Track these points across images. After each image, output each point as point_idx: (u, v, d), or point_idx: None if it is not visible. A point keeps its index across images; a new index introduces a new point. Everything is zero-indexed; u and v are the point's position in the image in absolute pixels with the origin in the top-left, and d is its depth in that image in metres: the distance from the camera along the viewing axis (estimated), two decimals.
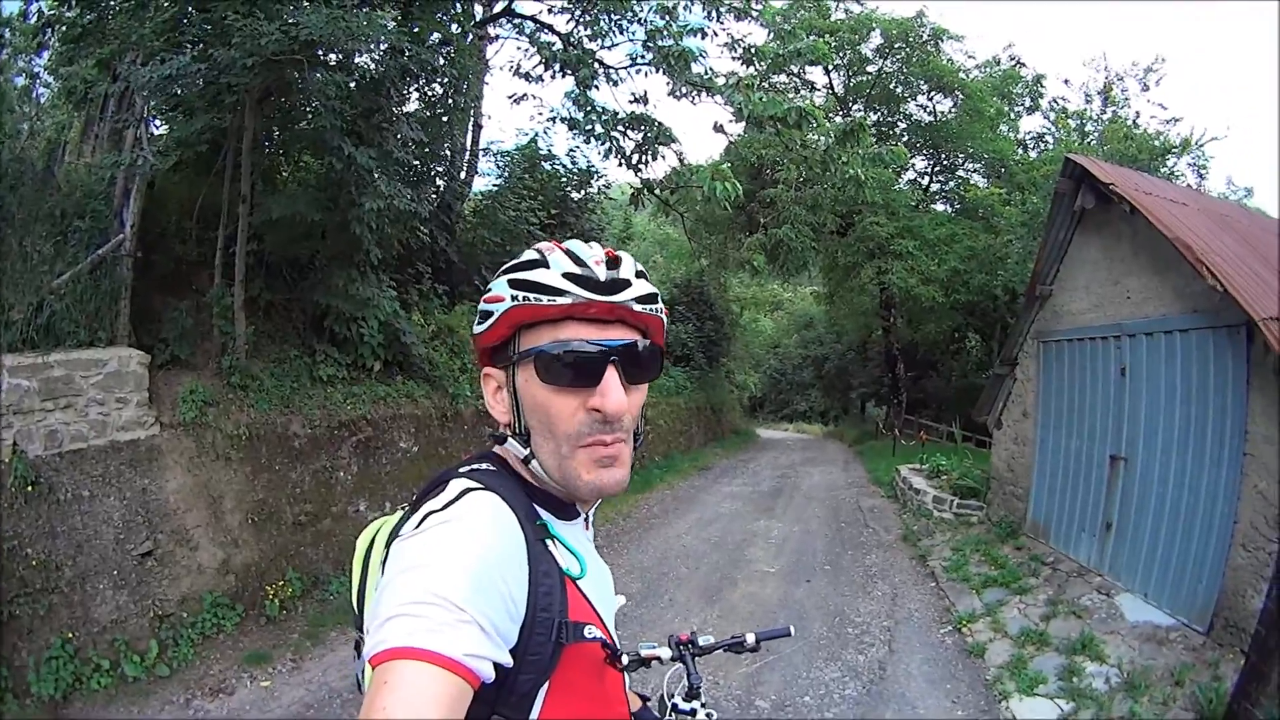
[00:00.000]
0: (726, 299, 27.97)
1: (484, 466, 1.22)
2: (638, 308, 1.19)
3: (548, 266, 1.16)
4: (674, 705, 2.40)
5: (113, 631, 5.78)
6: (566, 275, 1.15)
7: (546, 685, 1.09)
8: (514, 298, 1.16)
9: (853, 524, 11.90)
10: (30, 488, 5.64)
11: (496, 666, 0.97)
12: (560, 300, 1.14)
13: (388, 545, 1.13)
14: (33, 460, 5.74)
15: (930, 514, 11.37)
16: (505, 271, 1.21)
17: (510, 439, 1.23)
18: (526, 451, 1.20)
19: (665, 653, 2.38)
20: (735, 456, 21.88)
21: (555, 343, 1.15)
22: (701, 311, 24.36)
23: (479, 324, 1.23)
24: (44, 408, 5.90)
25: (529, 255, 1.21)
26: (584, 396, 1.15)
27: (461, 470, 1.20)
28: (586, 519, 1.37)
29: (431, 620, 0.91)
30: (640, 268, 1.24)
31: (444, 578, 0.96)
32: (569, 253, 1.19)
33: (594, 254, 1.19)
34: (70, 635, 5.53)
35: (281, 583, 7.02)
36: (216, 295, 7.43)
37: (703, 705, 2.41)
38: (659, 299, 1.24)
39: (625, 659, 1.30)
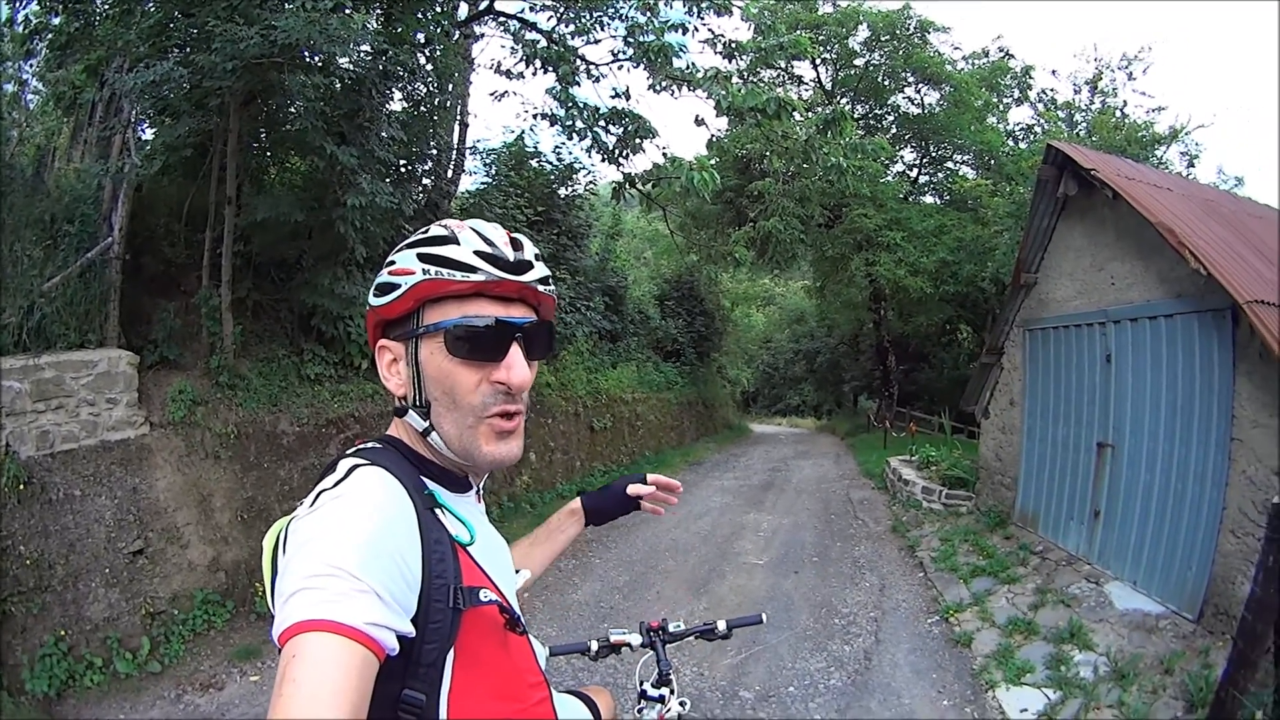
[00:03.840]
0: (717, 294, 27.93)
1: (371, 445, 1.28)
2: (540, 288, 1.29)
3: (458, 243, 1.23)
4: (643, 692, 2.38)
5: (105, 629, 5.80)
6: (478, 253, 1.22)
7: (452, 655, 1.12)
8: (425, 271, 1.21)
9: (842, 516, 11.87)
10: (22, 487, 5.69)
11: (401, 639, 1.00)
12: (473, 277, 1.20)
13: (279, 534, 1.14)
14: (25, 461, 5.80)
15: (919, 505, 11.34)
16: (412, 245, 1.25)
17: (411, 411, 1.27)
18: (426, 424, 1.25)
19: (635, 639, 2.40)
20: (727, 451, 21.90)
21: (466, 317, 1.21)
22: (692, 307, 24.39)
23: (379, 296, 1.26)
24: (35, 409, 5.96)
25: (437, 231, 1.26)
26: (488, 370, 1.22)
27: (350, 451, 1.25)
28: (478, 492, 1.42)
29: (330, 591, 0.94)
30: (537, 250, 1.33)
31: (339, 549, 0.98)
32: (477, 231, 1.25)
33: (500, 235, 1.27)
34: (63, 633, 5.56)
35: None
36: (204, 296, 7.47)
37: (673, 692, 2.39)
38: (551, 280, 1.34)
39: (524, 622, 1.32)
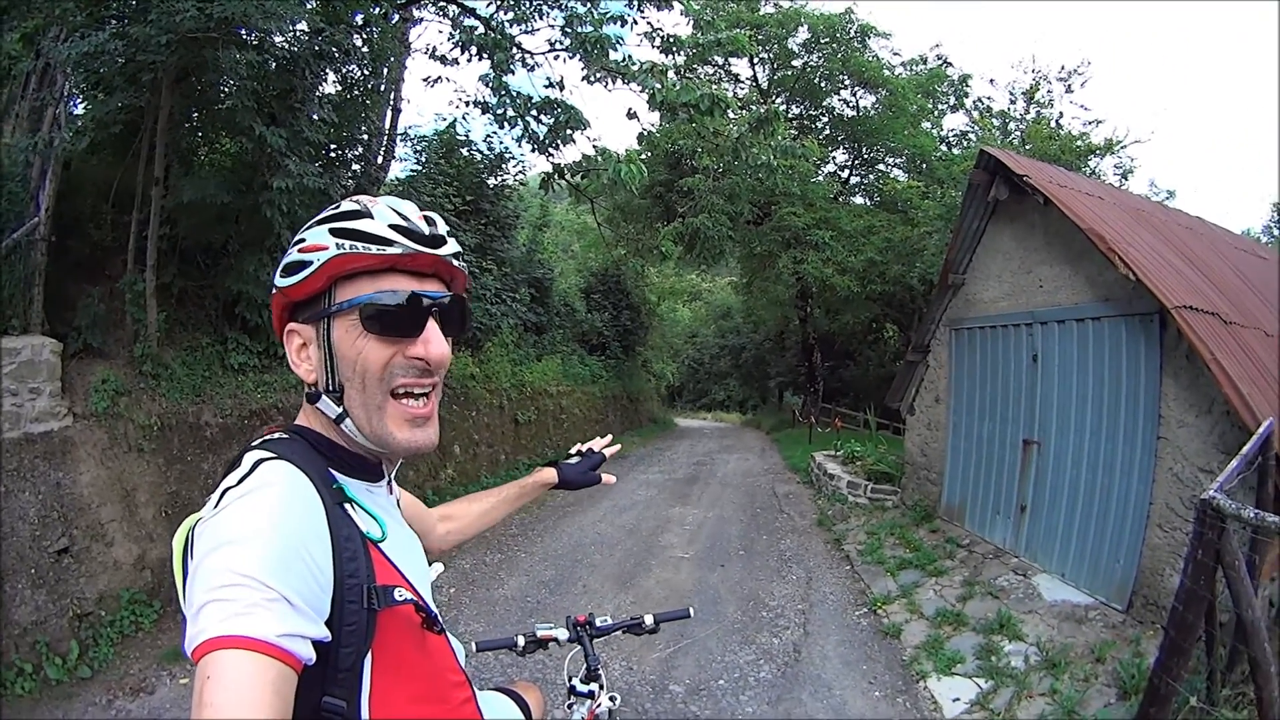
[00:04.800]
0: (643, 288, 27.92)
1: (278, 436, 1.22)
2: (455, 262, 1.25)
3: (371, 217, 1.18)
4: (573, 688, 2.36)
5: (33, 633, 5.46)
6: (393, 226, 1.18)
7: (370, 658, 1.09)
8: (339, 246, 1.16)
9: (768, 509, 11.91)
10: None
11: (316, 644, 0.97)
12: (389, 250, 1.16)
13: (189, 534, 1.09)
14: None
15: (845, 499, 11.46)
16: (323, 221, 1.20)
17: (324, 397, 1.21)
18: (340, 410, 1.19)
19: (562, 634, 2.39)
20: (652, 445, 21.85)
21: (381, 292, 1.16)
22: (618, 300, 24.32)
23: (287, 275, 1.20)
24: None
25: (349, 206, 1.22)
26: (403, 346, 1.18)
27: (255, 443, 1.19)
28: (389, 483, 1.37)
29: (240, 603, 0.90)
30: (449, 227, 1.28)
31: (246, 555, 0.94)
32: (390, 205, 1.22)
33: (413, 209, 1.24)
34: None
35: None
36: (129, 282, 7.11)
37: (602, 687, 2.37)
38: (462, 258, 1.30)
39: (441, 621, 1.27)
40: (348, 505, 1.16)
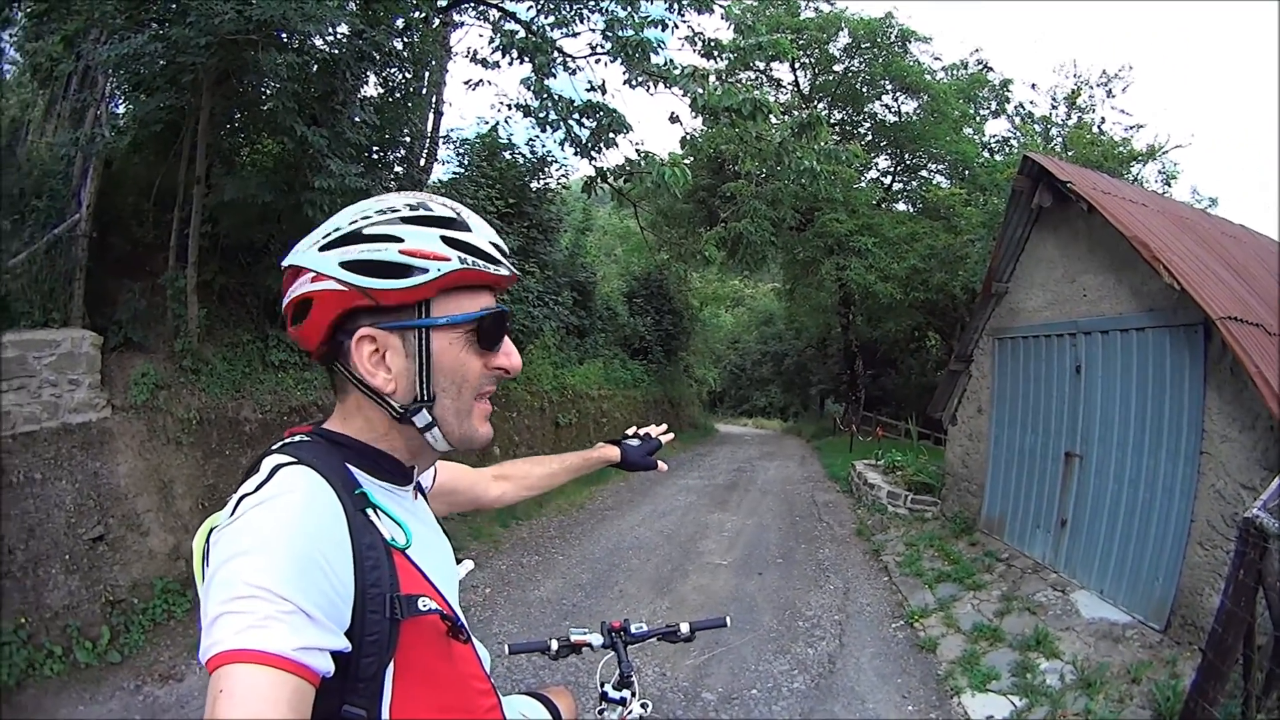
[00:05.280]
0: (686, 293, 27.92)
1: (298, 439, 1.19)
2: None
3: (470, 229, 1.17)
4: (604, 694, 2.33)
5: (65, 617, 5.58)
6: (494, 244, 1.20)
7: (392, 668, 1.06)
8: (462, 260, 1.13)
9: (807, 518, 11.87)
10: None
11: (335, 655, 0.95)
12: (499, 270, 1.18)
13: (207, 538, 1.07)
14: None
15: (885, 509, 11.36)
16: (425, 223, 1.14)
17: (422, 410, 1.17)
18: (430, 419, 1.18)
19: (596, 639, 2.35)
20: (692, 450, 21.82)
21: (487, 309, 1.18)
22: (660, 305, 24.37)
23: (381, 277, 1.10)
24: None
25: (443, 211, 1.17)
26: (487, 358, 1.21)
27: (275, 447, 1.17)
28: (417, 486, 1.35)
29: (255, 615, 0.88)
30: None
31: (261, 566, 0.92)
32: (481, 221, 1.22)
33: (486, 225, 1.23)
34: (23, 620, 5.34)
35: None
36: (170, 278, 7.26)
37: (634, 694, 2.34)
38: None
39: (468, 630, 1.25)
40: (370, 511, 1.11)
